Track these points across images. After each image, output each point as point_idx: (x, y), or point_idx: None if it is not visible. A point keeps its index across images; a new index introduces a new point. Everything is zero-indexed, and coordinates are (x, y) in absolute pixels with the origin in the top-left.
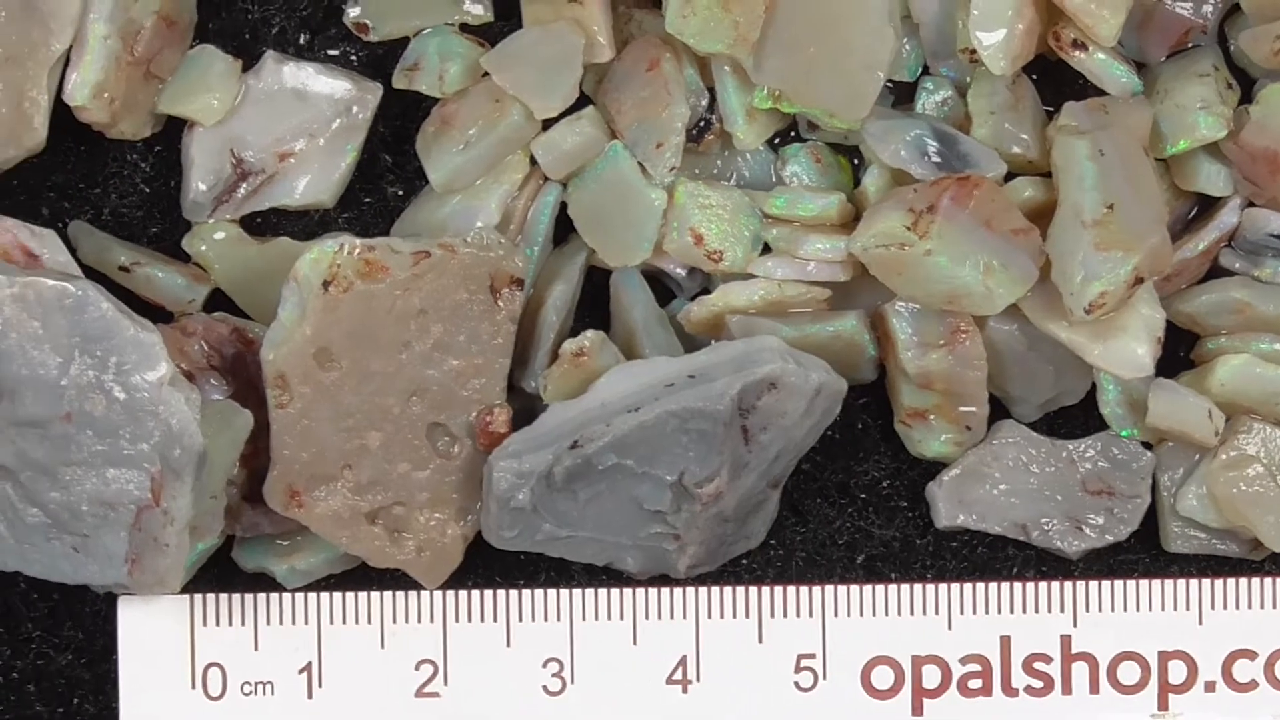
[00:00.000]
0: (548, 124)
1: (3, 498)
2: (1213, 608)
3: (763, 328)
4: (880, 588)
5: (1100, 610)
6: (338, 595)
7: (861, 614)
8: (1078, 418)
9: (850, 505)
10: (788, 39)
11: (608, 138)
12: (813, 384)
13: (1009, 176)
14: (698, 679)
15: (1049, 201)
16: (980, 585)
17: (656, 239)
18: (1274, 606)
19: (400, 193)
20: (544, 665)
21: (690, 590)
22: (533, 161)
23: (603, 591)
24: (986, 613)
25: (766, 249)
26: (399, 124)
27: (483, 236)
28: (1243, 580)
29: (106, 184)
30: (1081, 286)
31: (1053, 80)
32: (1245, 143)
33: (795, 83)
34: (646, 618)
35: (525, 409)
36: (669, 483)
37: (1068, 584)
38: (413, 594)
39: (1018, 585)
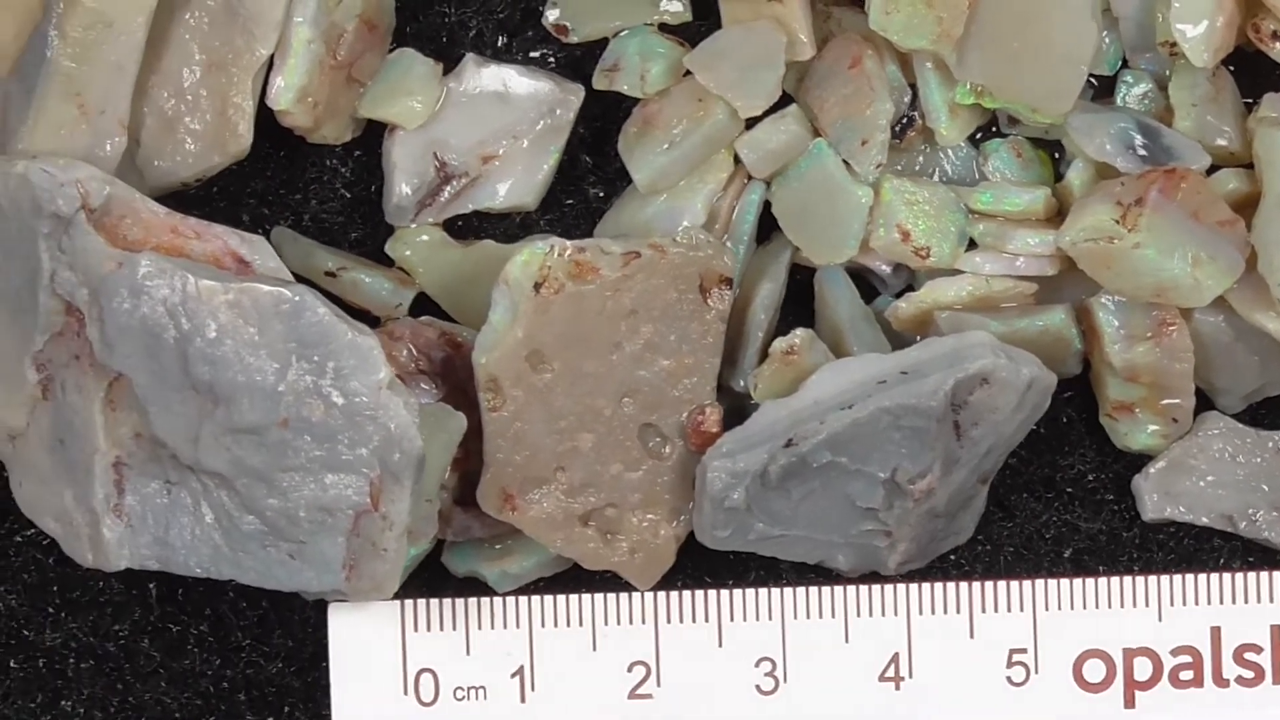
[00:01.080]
0: (750, 123)
1: (218, 505)
2: None
3: (972, 323)
4: (1090, 581)
5: None
6: (549, 598)
7: (1072, 607)
8: None
9: (1056, 499)
10: (991, 34)
11: (811, 135)
12: (1024, 379)
13: (1211, 169)
14: (910, 675)
15: (1253, 193)
16: (1189, 577)
17: (862, 236)
18: None
19: (601, 194)
20: (756, 665)
21: (900, 587)
22: (736, 160)
23: (814, 590)
24: (1196, 604)
25: (971, 244)
26: (598, 125)
27: (692, 236)
28: None
29: (307, 189)
30: None
31: (1250, 72)
32: None
33: (998, 77)
34: (858, 615)
35: (733, 408)
36: (881, 479)
37: (1276, 574)
38: (624, 595)
39: (1226, 576)
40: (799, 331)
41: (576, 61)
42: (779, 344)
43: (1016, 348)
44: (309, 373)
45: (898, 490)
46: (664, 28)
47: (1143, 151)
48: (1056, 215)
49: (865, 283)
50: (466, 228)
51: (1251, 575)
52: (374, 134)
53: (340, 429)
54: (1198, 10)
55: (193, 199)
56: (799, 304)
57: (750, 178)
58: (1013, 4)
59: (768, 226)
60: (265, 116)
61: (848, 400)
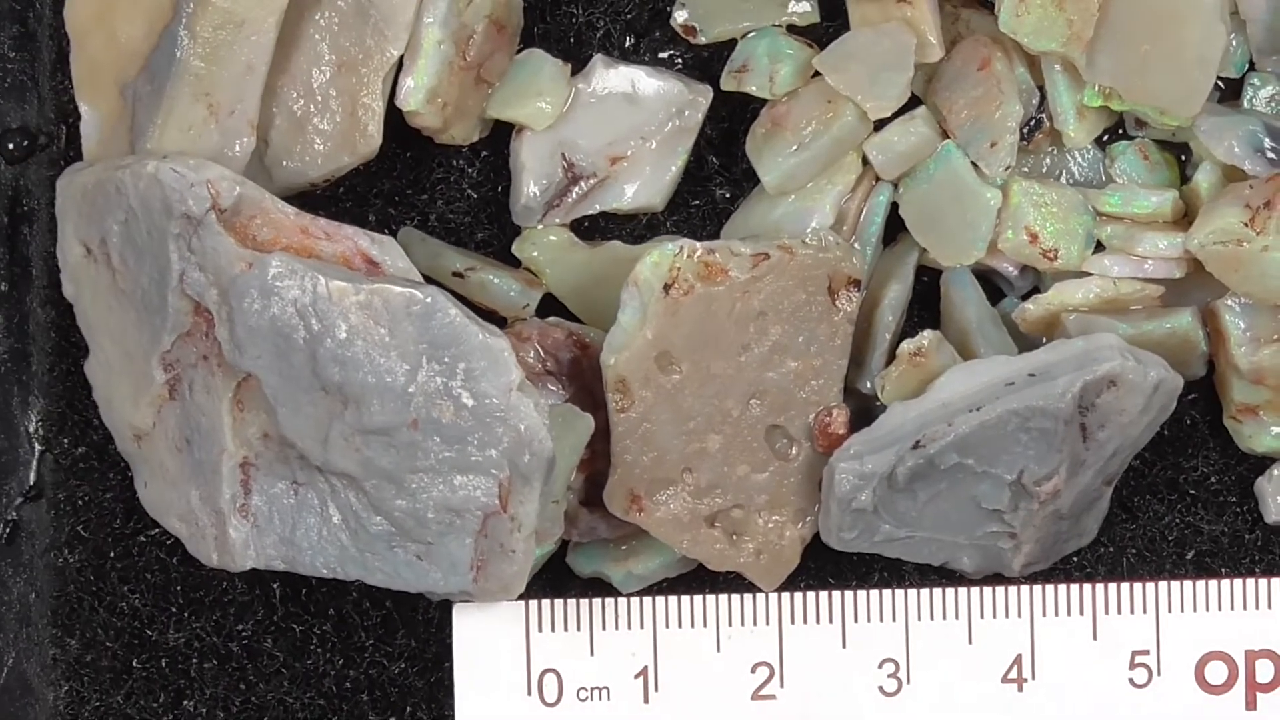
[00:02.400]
0: (879, 125)
1: (345, 507)
2: None
3: (1101, 325)
4: (1212, 583)
5: None
6: (673, 599)
7: (1195, 609)
8: None
9: (1179, 501)
10: (1121, 36)
11: (940, 137)
12: (1151, 381)
13: None
14: (1033, 677)
15: None
16: None
17: (990, 238)
18: None
19: (728, 195)
20: (879, 666)
21: (1024, 589)
22: (864, 162)
23: (937, 591)
24: None
25: (1098, 247)
26: (725, 126)
27: (820, 237)
28: None
29: (434, 190)
30: None
31: None
32: None
33: (1127, 79)
34: (981, 617)
35: (860, 409)
36: (1008, 481)
37: None
38: (748, 596)
39: None
40: (926, 333)
41: (704, 63)
42: (906, 346)
43: (1144, 350)
44: (439, 374)
45: (1024, 492)
46: (792, 29)
47: (1271, 154)
48: (1183, 218)
49: (991, 285)
50: (593, 229)
51: None
52: (501, 135)
53: (470, 430)
54: None
55: (319, 199)
56: (926, 306)
57: (878, 179)
58: (1143, 6)
59: (894, 228)
60: (391, 117)
61: (975, 402)
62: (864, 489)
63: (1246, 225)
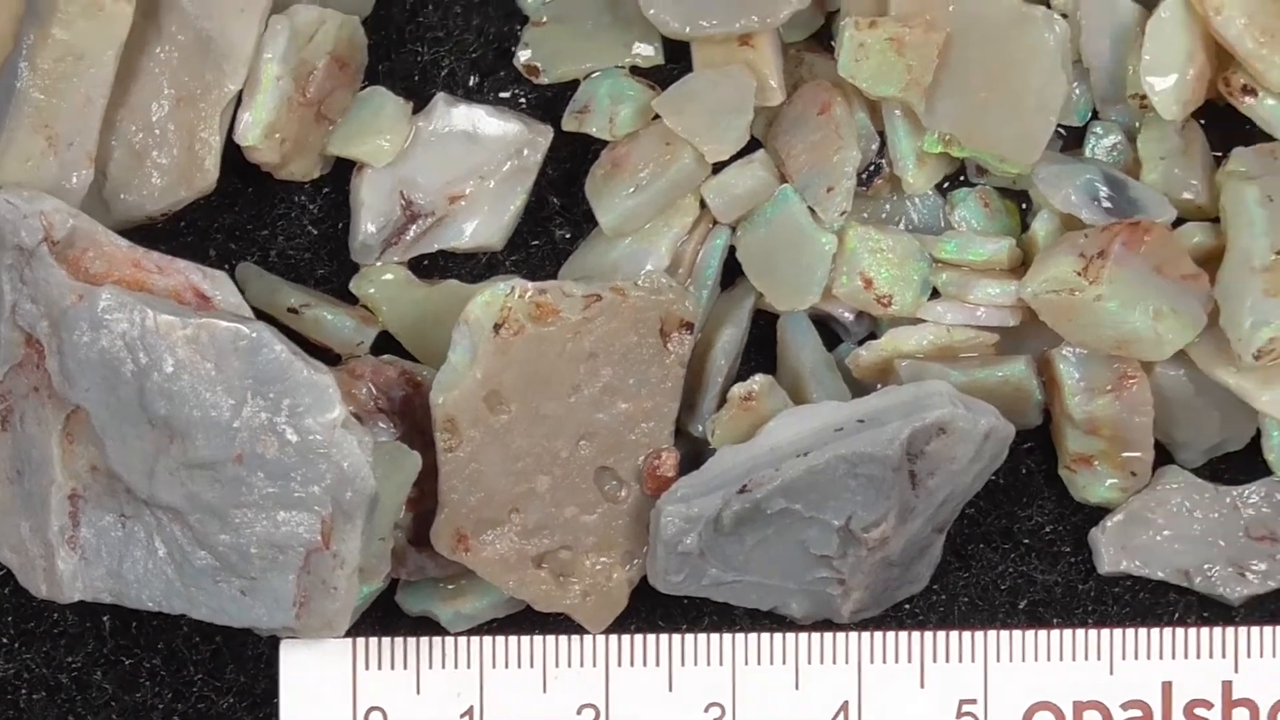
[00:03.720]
0: (718, 168)
1: (171, 540)
2: None
3: (932, 372)
4: (1043, 633)
5: (1262, 656)
6: (500, 639)
7: (1024, 659)
8: (1242, 463)
9: (1013, 550)
10: (960, 83)
11: (778, 181)
12: (982, 429)
13: (1178, 222)
14: None
15: (1218, 247)
16: (1142, 631)
17: (826, 283)
18: None
19: (568, 235)
20: (706, 710)
21: (853, 635)
22: (702, 205)
23: (765, 636)
24: (1148, 658)
25: (935, 293)
26: (567, 166)
27: (654, 280)
28: None
29: (274, 225)
30: (1250, 332)
31: (1220, 125)
32: None
33: (967, 126)
34: (809, 662)
35: (692, 453)
36: (836, 527)
37: (1229, 630)
38: (576, 638)
39: (1179, 631)
40: (758, 378)
41: (548, 102)
42: (737, 390)
43: (975, 398)
44: (264, 409)
45: (852, 538)
46: (636, 70)
47: (1107, 204)
48: (1022, 266)
49: (830, 329)
50: (433, 267)
51: (1204, 630)
52: (344, 171)
53: (293, 466)
54: (1168, 63)
55: (161, 233)
56: (764, 350)
57: (716, 222)
58: (983, 54)
59: (734, 271)
60: (236, 152)
61: (804, 447)
62: (690, 532)
63: (1080, 274)
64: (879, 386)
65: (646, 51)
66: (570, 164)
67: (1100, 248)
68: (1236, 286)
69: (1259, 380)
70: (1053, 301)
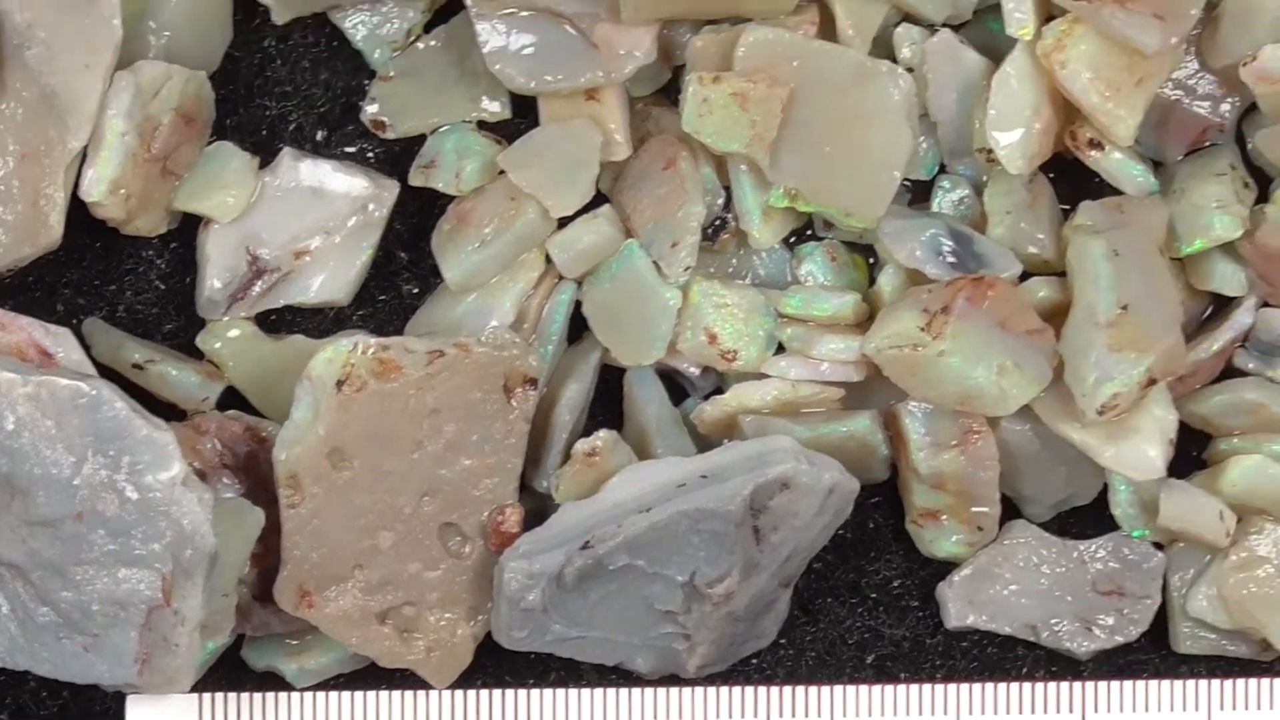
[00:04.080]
0: (564, 222)
1: (14, 597)
2: (1222, 708)
3: (776, 428)
4: (890, 688)
5: (1110, 711)
6: (347, 694)
7: (871, 714)
8: (1089, 518)
9: (861, 605)
10: (805, 138)
11: (623, 236)
12: (825, 484)
13: (1025, 276)
14: None
15: (1064, 301)
16: (990, 685)
17: (671, 338)
18: None
19: (416, 290)
20: None
21: (700, 690)
22: (548, 259)
23: (612, 691)
24: (996, 713)
25: (781, 348)
26: (415, 221)
27: (497, 335)
28: (1252, 681)
29: (122, 281)
30: (1094, 388)
31: (1070, 178)
32: (1261, 242)
33: (812, 181)
34: (655, 718)
35: (538, 509)
36: (680, 583)
37: (1077, 684)
38: (422, 694)
39: (1027, 685)
40: (601, 433)
41: (396, 157)
42: (581, 445)
43: (820, 453)
44: (104, 467)
45: (696, 594)
46: (483, 125)
47: (951, 258)
48: (868, 320)
49: (677, 384)
50: (281, 322)
51: (1052, 685)
52: (190, 226)
53: (134, 523)
54: (1014, 117)
55: (8, 289)
56: (612, 405)
57: (562, 277)
58: (827, 108)
59: (582, 326)
60: (82, 207)
61: (646, 503)
62: (533, 588)
63: (923, 330)
64: (725, 442)
65: (493, 107)
66: (418, 218)
67: (944, 303)
68: (1081, 341)
69: (1103, 435)
70: (896, 357)
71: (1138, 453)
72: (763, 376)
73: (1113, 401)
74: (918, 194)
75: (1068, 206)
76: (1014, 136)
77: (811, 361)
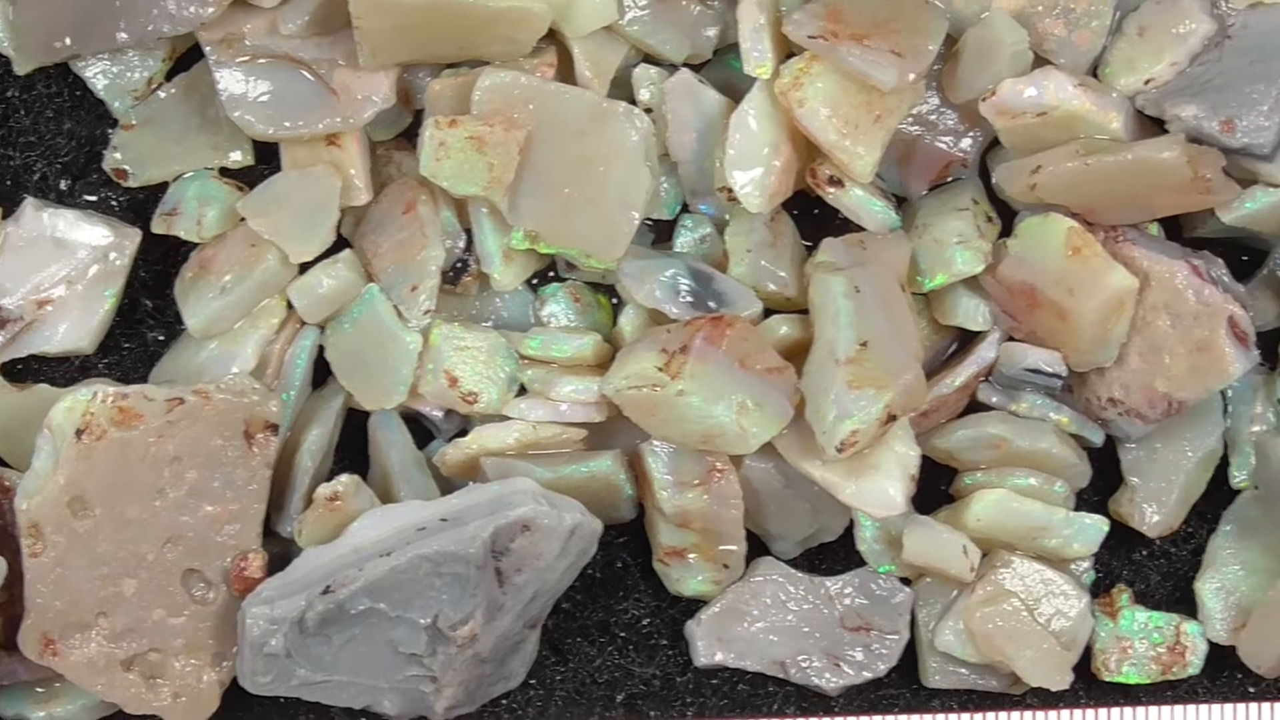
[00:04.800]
0: (305, 267)
1: None
2: None
3: (517, 469)
4: None
5: None
6: None
7: None
8: (838, 554)
9: (611, 644)
10: (543, 180)
11: (364, 281)
12: (567, 525)
13: (769, 313)
14: None
15: (806, 339)
16: None
17: (412, 381)
18: None
19: (161, 337)
20: None
21: None
22: (290, 305)
23: None
24: None
25: (524, 390)
26: (159, 268)
27: (237, 382)
28: (1003, 714)
29: None
30: (834, 425)
31: (817, 216)
32: (1003, 276)
33: (551, 224)
34: None
35: (282, 554)
36: (423, 626)
37: None
38: None
39: None
40: (343, 478)
41: (141, 204)
42: (323, 490)
43: (562, 494)
44: None
45: (440, 636)
46: (226, 172)
47: (688, 298)
48: (611, 360)
49: (425, 428)
50: (27, 371)
51: None
52: None
53: None
54: (752, 156)
55: None
56: (360, 448)
57: (304, 323)
58: (565, 150)
59: (328, 371)
60: None
61: (387, 547)
62: (275, 633)
63: (661, 370)
64: (470, 484)
65: (235, 155)
66: (162, 265)
67: (682, 343)
68: (821, 379)
69: (844, 472)
70: (635, 397)
71: (878, 489)
72: (506, 418)
73: (852, 439)
74: (662, 234)
75: (813, 244)
76: (753, 175)
77: (552, 403)
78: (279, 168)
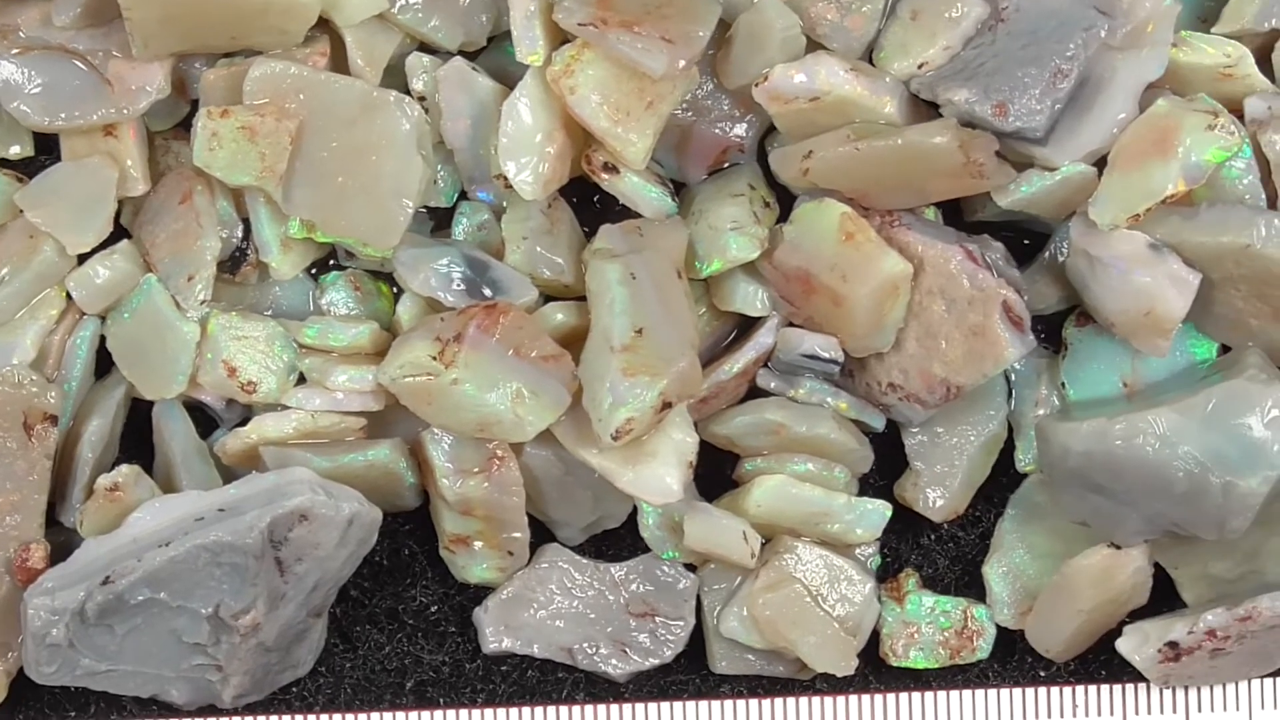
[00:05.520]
0: (85, 258)
1: None
2: None
3: (295, 459)
4: (429, 713)
5: None
6: None
7: None
8: (626, 539)
9: (400, 631)
10: (316, 170)
11: (143, 271)
12: (345, 515)
13: (548, 300)
14: None
15: (584, 326)
16: (529, 710)
17: (192, 371)
18: None
19: None
20: None
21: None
22: (70, 296)
23: None
24: None
25: (304, 379)
26: None
27: (14, 373)
28: (791, 700)
29: None
30: (609, 413)
31: (604, 202)
32: (779, 262)
33: (325, 213)
34: None
35: (67, 544)
36: (205, 615)
37: (614, 707)
38: None
39: (564, 709)
40: (123, 468)
41: None
42: (103, 480)
43: (340, 484)
44: None
45: (223, 626)
46: (5, 164)
47: (461, 286)
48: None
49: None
50: None
51: (589, 708)
52: None
53: None
54: (525, 144)
55: None
56: (148, 438)
57: (84, 314)
58: (337, 140)
59: (111, 361)
60: None
61: (166, 537)
62: (57, 624)
63: (435, 359)
64: (252, 473)
65: (15, 147)
66: None
67: (456, 331)
68: (597, 366)
69: (621, 460)
70: (411, 386)
71: (655, 477)
72: (286, 408)
73: (627, 426)
74: (443, 221)
75: (595, 231)
76: (526, 163)
77: (329, 392)
78: (60, 159)
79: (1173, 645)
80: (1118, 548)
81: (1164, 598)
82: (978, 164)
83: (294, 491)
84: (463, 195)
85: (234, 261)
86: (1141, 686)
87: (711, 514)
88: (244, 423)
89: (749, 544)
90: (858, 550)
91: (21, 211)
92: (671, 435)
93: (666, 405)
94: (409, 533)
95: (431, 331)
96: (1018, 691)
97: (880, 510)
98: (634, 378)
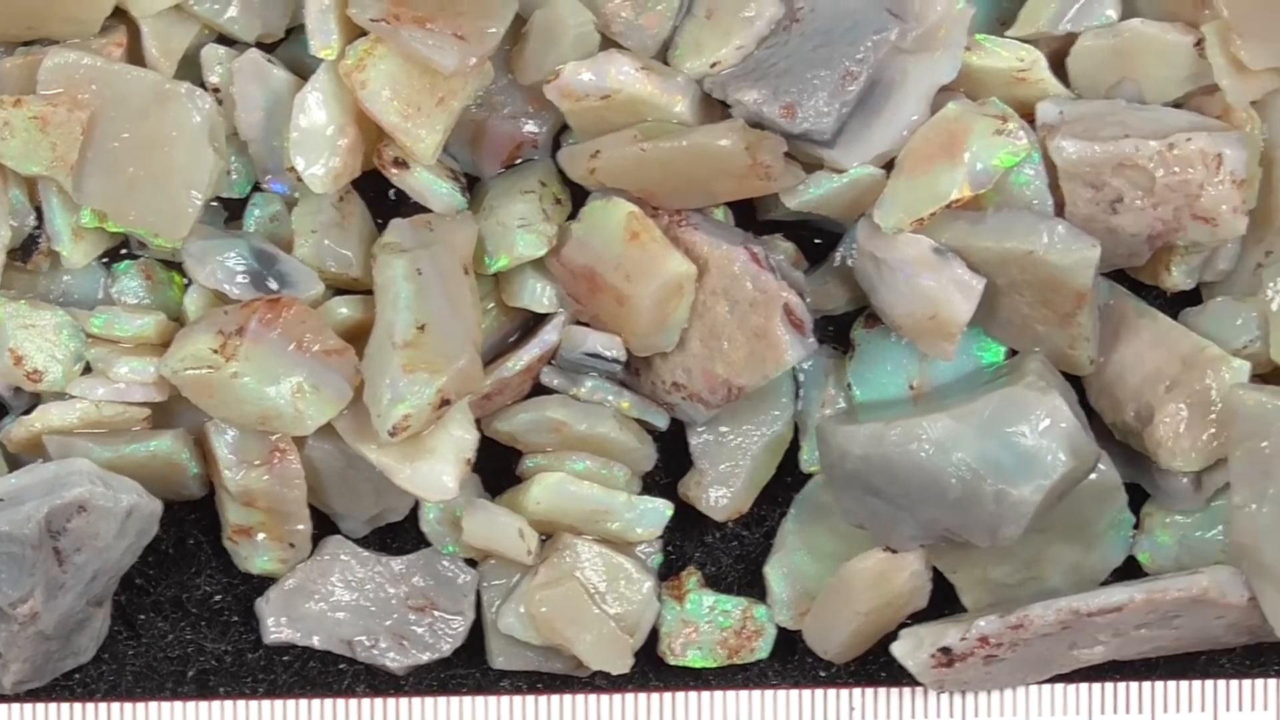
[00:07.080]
0: None
1: None
2: None
3: (77, 449)
4: (210, 703)
5: None
6: None
7: None
8: (410, 532)
9: (183, 619)
10: (108, 160)
11: None
12: (124, 506)
13: (341, 294)
14: None
15: (370, 320)
16: (308, 702)
17: None
18: None
19: None
20: None
21: (17, 707)
22: None
23: None
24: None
25: (90, 368)
26: None
27: None
28: (568, 697)
29: None
30: (388, 408)
31: (399, 196)
32: (567, 260)
33: (116, 203)
34: None
35: None
36: None
37: (392, 700)
38: None
39: (343, 702)
40: None
41: None
42: None
43: (120, 475)
44: None
45: (2, 614)
46: None
47: (245, 279)
48: None
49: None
50: None
51: (367, 701)
52: None
53: None
54: (316, 138)
55: None
56: None
57: None
58: (129, 131)
59: None
60: None
61: None
62: None
63: (216, 352)
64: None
65: None
66: None
67: (238, 325)
68: (380, 361)
69: (400, 455)
70: (193, 378)
71: (432, 473)
72: (71, 397)
73: (404, 422)
74: (237, 212)
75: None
76: (317, 155)
77: (113, 382)
78: None
79: (945, 651)
80: (894, 551)
81: (947, 601)
82: (764, 166)
83: (73, 482)
84: (256, 187)
85: (25, 249)
86: (919, 691)
87: (489, 510)
88: (30, 411)
89: (525, 541)
90: (640, 548)
91: None
92: (451, 432)
93: (445, 402)
94: (194, 522)
95: (214, 324)
96: (795, 692)
97: (660, 509)
98: (413, 374)
